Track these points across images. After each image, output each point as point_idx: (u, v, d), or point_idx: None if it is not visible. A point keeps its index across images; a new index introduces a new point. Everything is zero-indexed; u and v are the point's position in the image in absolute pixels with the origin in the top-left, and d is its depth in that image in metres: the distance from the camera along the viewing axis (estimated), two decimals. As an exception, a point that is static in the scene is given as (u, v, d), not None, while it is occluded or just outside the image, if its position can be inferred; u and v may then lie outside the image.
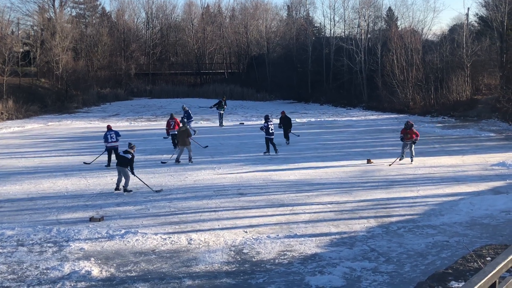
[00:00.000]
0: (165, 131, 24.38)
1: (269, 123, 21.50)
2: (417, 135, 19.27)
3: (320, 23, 65.96)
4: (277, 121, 25.08)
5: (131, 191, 15.43)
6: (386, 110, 39.33)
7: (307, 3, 60.38)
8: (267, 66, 54.13)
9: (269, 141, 21.54)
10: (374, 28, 51.83)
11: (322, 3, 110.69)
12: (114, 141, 19.64)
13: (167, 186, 16.17)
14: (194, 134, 24.79)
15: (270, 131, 21.46)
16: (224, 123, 32.06)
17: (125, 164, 15.49)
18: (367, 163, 19.25)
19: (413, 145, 19.26)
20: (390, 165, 18.93)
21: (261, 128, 21.97)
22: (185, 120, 23.84)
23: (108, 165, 19.55)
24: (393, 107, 39.10)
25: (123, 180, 15.58)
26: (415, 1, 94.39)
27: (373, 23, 51.95)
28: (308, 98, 49.52)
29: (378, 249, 10.55)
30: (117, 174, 15.79)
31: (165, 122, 24.67)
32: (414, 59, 39.29)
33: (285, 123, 24.17)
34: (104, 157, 19.82)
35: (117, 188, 15.65)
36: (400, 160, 19.07)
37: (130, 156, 15.51)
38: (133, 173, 15.57)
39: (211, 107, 33.69)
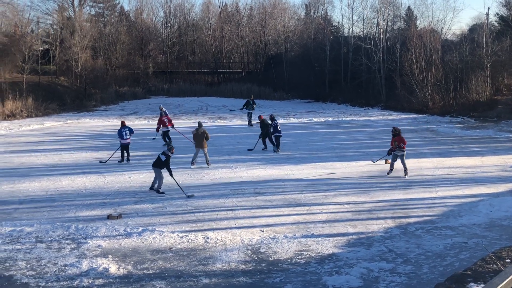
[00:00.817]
0: (156, 129, 24.60)
1: (276, 121, 22.36)
2: (404, 143, 17.20)
3: (338, 22, 65.60)
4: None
5: (163, 193, 15.25)
6: (404, 110, 38.98)
7: (325, 2, 60.16)
8: (284, 65, 54.02)
9: (278, 138, 22.21)
10: (393, 27, 51.37)
11: (341, 2, 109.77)
12: (128, 138, 19.92)
13: (184, 184, 16.17)
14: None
15: (279, 129, 22.22)
16: (252, 122, 31.86)
17: (158, 165, 15.40)
18: (385, 163, 19.11)
19: (403, 156, 17.24)
20: (375, 161, 19.10)
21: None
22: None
23: (122, 160, 19.83)
24: (411, 107, 38.74)
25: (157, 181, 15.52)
26: (434, 1, 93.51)
27: (392, 23, 51.49)
28: (326, 98, 49.29)
29: (396, 250, 10.47)
30: (136, 172, 15.81)
31: (180, 122, 24.71)
32: (433, 59, 38.88)
33: (263, 128, 22.95)
34: (118, 153, 20.13)
35: (151, 188, 15.59)
36: (388, 174, 17.46)
37: (164, 157, 15.33)
38: (171, 175, 15.26)
39: (241, 109, 33.52)
